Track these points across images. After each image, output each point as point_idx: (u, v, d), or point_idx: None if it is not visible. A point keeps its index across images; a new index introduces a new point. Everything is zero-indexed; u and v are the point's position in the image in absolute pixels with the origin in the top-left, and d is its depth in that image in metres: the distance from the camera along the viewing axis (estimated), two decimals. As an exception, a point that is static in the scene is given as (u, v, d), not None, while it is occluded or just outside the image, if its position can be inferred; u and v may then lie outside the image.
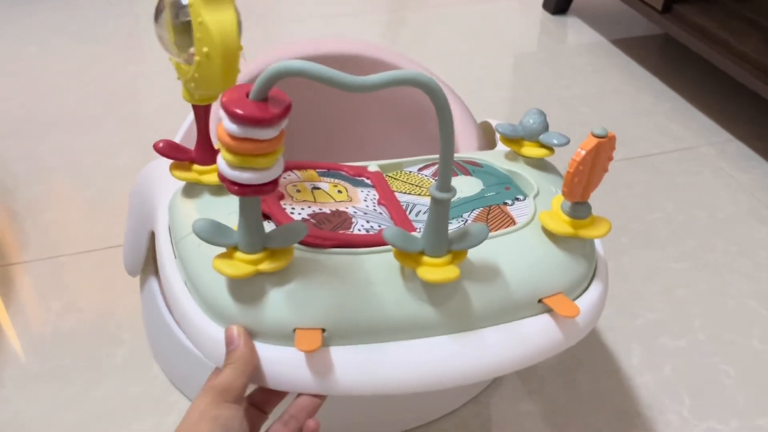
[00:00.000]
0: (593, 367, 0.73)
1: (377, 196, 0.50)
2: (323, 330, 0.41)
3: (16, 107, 1.10)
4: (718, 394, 0.71)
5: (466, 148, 0.67)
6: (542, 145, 0.55)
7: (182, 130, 0.71)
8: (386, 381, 0.41)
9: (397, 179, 0.53)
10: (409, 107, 0.77)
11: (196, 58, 0.40)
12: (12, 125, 1.06)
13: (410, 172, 0.55)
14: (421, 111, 0.75)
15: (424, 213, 0.49)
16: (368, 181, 0.52)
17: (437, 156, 0.55)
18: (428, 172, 0.54)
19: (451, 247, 0.41)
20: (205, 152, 0.47)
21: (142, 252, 0.62)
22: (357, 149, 0.83)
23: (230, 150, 0.35)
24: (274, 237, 0.40)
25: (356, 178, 0.52)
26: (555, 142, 0.54)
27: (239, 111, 0.34)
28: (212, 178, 0.47)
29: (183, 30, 0.41)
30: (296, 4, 1.46)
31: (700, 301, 0.81)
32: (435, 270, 0.41)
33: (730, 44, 1.07)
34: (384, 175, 0.53)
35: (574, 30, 1.41)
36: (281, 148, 0.37)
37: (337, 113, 0.80)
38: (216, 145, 0.45)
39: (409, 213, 0.49)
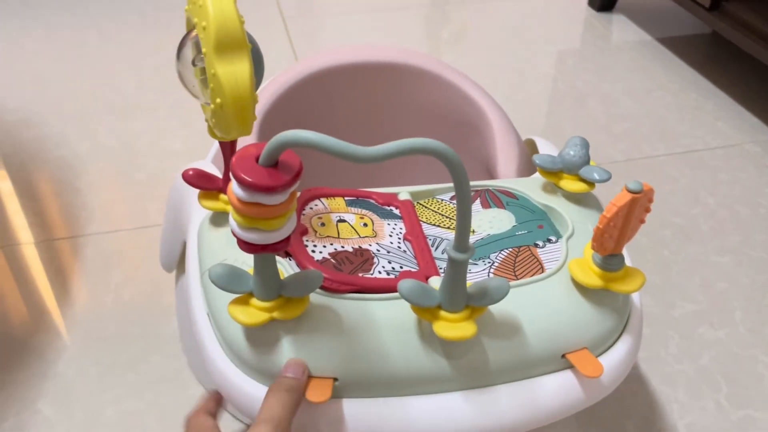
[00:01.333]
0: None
1: (404, 231, 0.49)
2: (335, 379, 0.40)
3: (80, 91, 1.15)
4: (756, 384, 0.72)
5: (505, 172, 0.64)
6: (582, 179, 0.52)
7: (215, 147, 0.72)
8: None
9: (428, 208, 0.52)
10: (454, 121, 0.74)
11: (211, 105, 0.39)
12: (77, 107, 1.11)
13: (442, 200, 0.53)
14: (468, 126, 0.72)
15: None
16: (397, 212, 0.51)
17: (471, 183, 0.53)
18: None
19: (470, 302, 0.40)
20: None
21: (175, 253, 0.64)
22: (401, 167, 0.79)
23: (238, 212, 0.35)
24: (289, 285, 0.40)
25: (385, 207, 0.51)
26: (596, 177, 0.50)
27: (247, 178, 0.33)
28: None
29: (204, 70, 0.39)
30: (344, -3, 1.49)
31: (742, 294, 0.82)
32: (451, 326, 0.39)
33: (779, 42, 1.06)
34: (414, 203, 0.52)
35: (619, 27, 1.41)
36: (292, 209, 0.36)
37: (377, 126, 0.78)
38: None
39: (435, 249, 0.48)
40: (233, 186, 0.34)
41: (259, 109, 0.65)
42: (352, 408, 0.41)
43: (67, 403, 0.68)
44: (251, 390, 0.42)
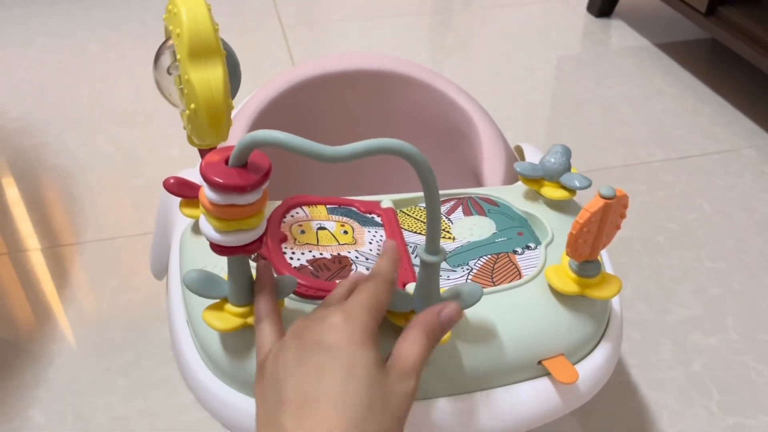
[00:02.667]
0: (621, 358, 0.74)
1: (384, 238, 0.49)
2: None
3: (79, 99, 1.16)
4: (748, 391, 0.71)
5: (492, 179, 0.64)
6: (563, 187, 0.51)
7: None
8: None
9: (410, 216, 0.52)
10: (442, 129, 0.74)
11: (186, 111, 0.39)
12: (75, 116, 1.12)
13: (424, 208, 0.53)
14: (456, 133, 0.72)
15: None
16: (378, 219, 0.51)
17: (454, 191, 0.54)
18: (443, 208, 0.52)
19: None
20: None
21: (165, 261, 0.64)
22: (389, 173, 0.80)
23: (211, 215, 0.35)
24: None
25: (366, 215, 0.51)
26: (576, 184, 0.50)
27: (218, 179, 0.33)
28: None
29: (181, 81, 0.39)
30: (342, 3, 1.50)
31: (735, 300, 0.82)
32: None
33: (776, 47, 1.06)
34: (396, 212, 0.52)
35: (618, 33, 1.42)
36: (262, 211, 0.36)
37: (365, 133, 0.77)
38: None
39: (415, 257, 0.47)
40: (205, 191, 0.34)
41: (248, 116, 0.65)
42: None
43: (58, 409, 0.69)
44: (227, 398, 0.43)
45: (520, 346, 0.42)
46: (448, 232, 0.50)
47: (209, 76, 0.37)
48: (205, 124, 0.38)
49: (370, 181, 0.78)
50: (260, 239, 0.37)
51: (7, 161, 1.02)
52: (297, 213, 0.50)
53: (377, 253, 0.48)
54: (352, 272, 0.45)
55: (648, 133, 1.12)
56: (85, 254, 0.87)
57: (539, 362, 0.42)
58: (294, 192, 0.58)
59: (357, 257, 0.47)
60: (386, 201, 0.53)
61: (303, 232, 0.48)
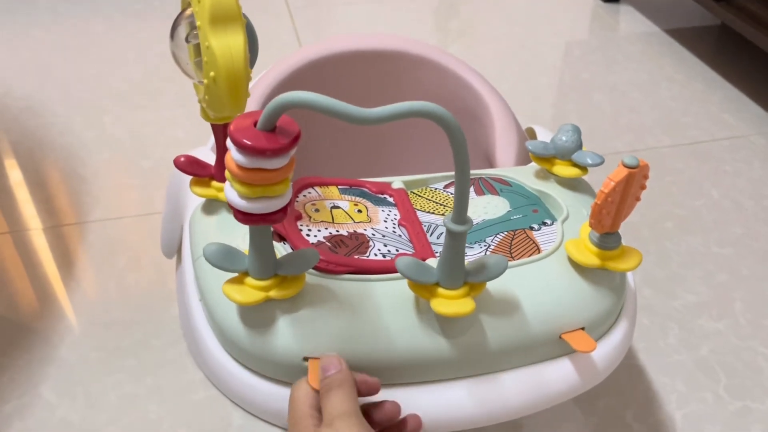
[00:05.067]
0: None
1: (398, 216, 0.49)
2: None
3: (85, 79, 1.16)
4: (755, 375, 0.71)
5: (504, 159, 0.64)
6: (575, 164, 0.52)
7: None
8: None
9: (422, 197, 0.52)
10: (454, 109, 0.72)
11: (204, 81, 0.39)
12: (81, 96, 1.12)
13: (435, 189, 0.53)
14: (468, 114, 0.71)
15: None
16: (390, 200, 0.51)
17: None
18: (453, 189, 0.53)
19: (468, 279, 0.40)
20: (224, 169, 0.48)
21: (175, 240, 0.63)
22: (391, 160, 0.80)
23: (238, 180, 0.34)
24: (285, 264, 0.39)
25: (378, 195, 0.51)
26: (588, 161, 0.50)
27: (247, 141, 0.33)
28: None
29: (198, 50, 0.39)
30: (350, -13, 1.49)
31: (742, 286, 0.82)
32: (449, 303, 0.39)
33: (787, 33, 1.05)
34: (408, 193, 0.51)
35: (627, 18, 1.41)
36: (288, 178, 0.36)
37: (361, 135, 0.77)
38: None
39: (430, 235, 0.47)
40: (232, 153, 0.34)
41: (258, 96, 0.65)
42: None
43: (68, 387, 0.69)
44: (240, 376, 0.43)
45: (542, 319, 0.42)
46: None
47: (230, 42, 0.37)
48: (225, 92, 0.38)
49: (380, 165, 0.78)
50: (284, 209, 0.36)
51: (13, 141, 1.02)
52: (309, 193, 0.50)
53: (392, 231, 0.48)
54: (370, 248, 0.45)
55: (656, 119, 1.11)
56: (93, 234, 0.87)
57: (560, 336, 0.42)
58: (300, 173, 0.58)
59: (374, 234, 0.46)
60: (397, 182, 0.53)
61: (317, 210, 0.48)
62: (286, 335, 0.40)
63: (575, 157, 0.51)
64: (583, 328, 0.43)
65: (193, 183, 0.48)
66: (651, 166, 1.02)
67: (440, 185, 0.53)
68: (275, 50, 1.24)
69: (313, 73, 0.68)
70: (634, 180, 0.40)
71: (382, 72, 0.72)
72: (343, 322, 0.40)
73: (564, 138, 0.51)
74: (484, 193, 0.52)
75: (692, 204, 0.94)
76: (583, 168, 0.51)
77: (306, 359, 0.40)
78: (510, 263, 0.44)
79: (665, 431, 0.66)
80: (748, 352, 0.74)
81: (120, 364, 0.71)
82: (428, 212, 0.50)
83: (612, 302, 0.44)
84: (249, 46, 0.39)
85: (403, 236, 0.47)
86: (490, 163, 0.66)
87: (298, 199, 0.49)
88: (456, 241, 0.38)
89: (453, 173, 0.52)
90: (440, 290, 0.39)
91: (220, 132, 0.47)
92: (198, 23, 0.38)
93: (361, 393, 0.39)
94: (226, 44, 0.37)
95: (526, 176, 0.54)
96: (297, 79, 0.68)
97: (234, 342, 0.42)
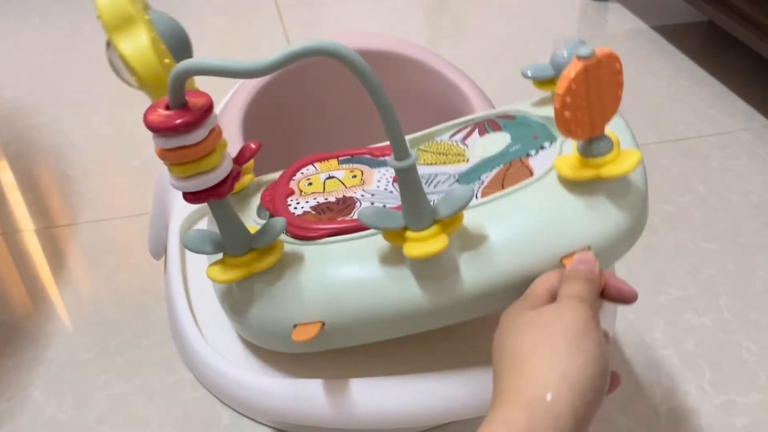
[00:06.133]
0: (615, 337, 0.75)
1: (394, 175, 0.47)
2: (323, 324, 0.40)
3: (75, 80, 1.16)
4: (739, 369, 0.72)
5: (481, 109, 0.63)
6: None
7: (218, 108, 0.71)
8: (398, 415, 0.41)
9: (427, 151, 0.50)
10: (439, 108, 0.73)
11: (137, 84, 0.40)
12: (71, 96, 1.12)
13: (441, 140, 0.51)
14: (453, 112, 0.71)
15: (444, 182, 0.45)
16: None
17: (470, 117, 0.52)
18: (459, 136, 0.51)
19: (435, 216, 0.38)
20: None
21: (163, 240, 0.64)
22: (383, 151, 0.80)
23: (168, 162, 0.35)
24: (257, 237, 0.40)
25: (379, 158, 0.50)
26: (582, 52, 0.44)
27: (158, 123, 0.33)
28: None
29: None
30: (340, -14, 1.49)
31: (728, 280, 0.82)
32: (419, 245, 0.37)
33: (772, 29, 1.06)
34: (414, 150, 0.50)
35: (615, 15, 1.41)
36: (220, 147, 0.36)
37: (362, 113, 0.75)
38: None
39: (427, 186, 0.45)
40: (155, 140, 0.35)
41: (243, 99, 0.65)
42: (358, 386, 0.41)
43: (57, 387, 0.69)
44: (228, 374, 0.43)
45: (536, 245, 0.39)
46: (462, 155, 0.48)
47: (136, 44, 0.39)
48: (152, 90, 0.39)
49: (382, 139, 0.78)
50: (228, 180, 0.36)
51: (2, 142, 1.02)
52: (307, 170, 0.49)
53: (384, 189, 0.46)
54: (356, 208, 0.44)
55: (643, 116, 1.12)
56: (82, 235, 0.87)
57: (561, 260, 0.39)
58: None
59: (363, 195, 0.45)
60: None
61: (310, 184, 0.47)
62: (273, 306, 0.40)
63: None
64: (589, 248, 0.38)
65: None
66: (639, 163, 1.02)
67: (446, 136, 0.51)
68: (264, 49, 1.24)
69: (298, 75, 0.69)
70: (594, 74, 0.34)
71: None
72: (324, 284, 0.40)
73: (565, 54, 0.45)
74: (487, 132, 0.49)
75: (679, 200, 0.95)
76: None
77: (296, 326, 0.40)
78: (497, 194, 0.41)
79: (650, 425, 0.67)
80: (733, 346, 0.74)
81: (109, 364, 0.71)
82: (430, 164, 0.47)
83: (620, 219, 0.39)
84: (170, 36, 0.40)
85: (394, 192, 0.45)
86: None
87: (295, 177, 0.49)
88: (406, 179, 0.36)
89: (458, 121, 0.51)
90: (409, 233, 0.38)
91: None
92: (107, 37, 0.40)
93: (610, 297, 0.38)
94: (134, 46, 0.39)
95: (533, 106, 0.51)
96: (282, 80, 0.68)
97: (236, 319, 0.42)
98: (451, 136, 0.52)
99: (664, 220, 0.91)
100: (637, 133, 1.08)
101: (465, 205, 0.37)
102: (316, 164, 0.50)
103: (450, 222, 0.38)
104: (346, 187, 0.46)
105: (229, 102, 0.66)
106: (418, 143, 0.51)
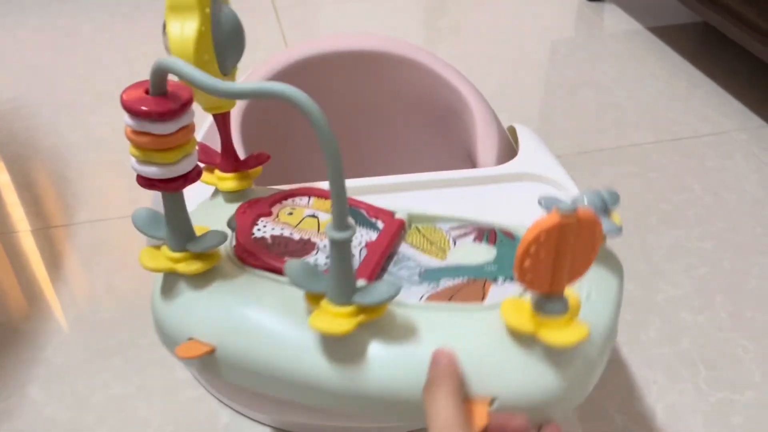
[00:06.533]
0: (613, 337, 0.76)
1: (371, 240, 0.44)
2: (213, 349, 0.38)
3: (72, 81, 1.16)
4: (735, 367, 0.72)
5: (485, 159, 0.63)
6: None
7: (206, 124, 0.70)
8: None
9: (420, 232, 0.47)
10: (436, 109, 0.73)
11: None
12: (68, 97, 1.12)
13: (439, 227, 0.48)
14: (450, 113, 0.71)
15: (409, 269, 0.43)
16: (380, 225, 0.46)
17: (481, 221, 0.48)
18: (457, 232, 0.47)
19: (355, 298, 0.36)
20: (227, 159, 0.48)
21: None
22: (384, 155, 0.79)
23: (131, 143, 0.35)
24: (195, 241, 0.40)
25: (371, 219, 0.47)
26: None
27: (133, 103, 0.34)
28: (226, 185, 0.48)
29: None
30: (337, -13, 1.50)
31: (724, 279, 0.83)
32: (327, 318, 0.35)
33: (765, 29, 1.07)
34: (408, 225, 0.47)
35: (611, 17, 1.42)
36: (188, 146, 0.36)
37: (359, 113, 0.77)
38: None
39: (394, 264, 0.43)
40: (125, 117, 0.35)
41: (241, 103, 0.66)
42: None
43: (55, 387, 0.69)
44: None
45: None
46: (443, 251, 0.45)
47: (183, 27, 0.39)
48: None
49: (372, 162, 0.78)
50: (183, 179, 0.37)
51: (0, 143, 1.02)
52: (301, 200, 0.48)
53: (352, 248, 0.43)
54: (312, 255, 0.42)
55: (640, 116, 1.12)
56: (79, 235, 0.87)
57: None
58: (295, 174, 0.57)
59: (325, 246, 0.44)
60: (401, 212, 0.48)
61: (291, 214, 0.46)
62: (181, 311, 0.40)
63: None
64: (492, 401, 0.35)
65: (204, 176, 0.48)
66: (635, 162, 1.03)
67: (447, 226, 0.48)
68: (262, 51, 1.25)
69: (296, 76, 0.69)
70: (569, 232, 0.30)
71: (366, 72, 0.73)
72: (232, 312, 0.39)
73: (587, 201, 0.42)
74: (481, 241, 0.46)
75: (675, 199, 0.95)
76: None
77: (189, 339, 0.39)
78: (437, 304, 0.39)
79: (646, 423, 0.67)
80: (729, 345, 0.75)
81: (107, 364, 0.71)
82: (415, 247, 0.45)
83: (551, 384, 0.35)
84: (227, 36, 0.40)
85: (356, 257, 0.43)
86: (472, 162, 0.67)
87: (285, 202, 0.48)
88: (337, 251, 0.34)
89: (469, 218, 0.47)
90: (325, 303, 0.36)
91: (220, 121, 0.48)
92: (165, 17, 0.41)
93: None
94: (179, 29, 0.39)
95: None
96: (281, 80, 0.69)
97: (154, 308, 0.42)
98: (452, 228, 0.48)
99: (661, 219, 0.92)
100: (634, 133, 1.10)
101: (384, 301, 0.35)
102: (312, 198, 0.49)
103: (369, 310, 0.36)
104: (318, 231, 0.45)
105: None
106: (416, 220, 0.48)
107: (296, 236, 0.44)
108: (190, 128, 0.36)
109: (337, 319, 0.35)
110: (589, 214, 0.30)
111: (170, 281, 0.41)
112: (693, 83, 1.21)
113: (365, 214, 0.47)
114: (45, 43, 1.26)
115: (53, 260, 0.84)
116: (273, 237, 0.43)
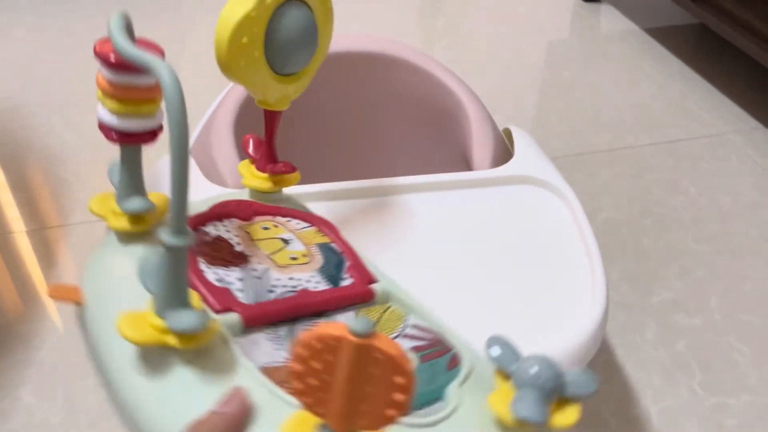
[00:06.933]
0: (606, 339, 0.76)
1: (315, 290, 0.38)
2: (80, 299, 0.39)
3: (67, 81, 1.16)
4: (730, 370, 0.73)
5: (480, 161, 0.62)
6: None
7: (209, 111, 0.69)
8: None
9: (382, 312, 0.39)
10: (431, 110, 0.72)
11: None
12: (63, 97, 1.11)
13: (406, 319, 0.39)
14: (445, 115, 0.70)
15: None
16: (347, 281, 0.40)
17: (458, 340, 0.37)
18: (413, 332, 0.38)
19: (166, 315, 0.31)
20: (264, 159, 0.46)
21: None
22: (378, 157, 0.78)
23: (114, 97, 0.35)
24: (140, 202, 0.40)
25: (342, 274, 0.40)
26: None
27: (111, 54, 0.35)
28: (254, 184, 0.45)
29: None
30: (333, -13, 1.49)
31: (719, 281, 0.83)
32: (134, 318, 0.31)
33: (761, 31, 1.07)
34: (376, 298, 0.39)
35: (607, 18, 1.42)
36: (157, 102, 0.37)
37: (355, 114, 0.76)
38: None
39: (305, 322, 0.37)
40: (103, 72, 0.35)
41: (238, 98, 0.65)
42: None
43: (48, 390, 0.69)
44: None
45: None
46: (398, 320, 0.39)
47: (231, 12, 0.39)
48: (216, 56, 0.40)
49: (367, 164, 0.78)
50: (154, 133, 0.38)
51: (-6, 143, 1.02)
52: (298, 223, 0.44)
53: (285, 283, 0.39)
54: (229, 270, 0.38)
55: (635, 118, 1.12)
56: (74, 236, 0.87)
57: None
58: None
59: (255, 270, 0.39)
60: (382, 284, 0.40)
61: (266, 228, 0.42)
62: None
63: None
64: None
65: (243, 164, 0.47)
66: (630, 164, 1.03)
67: (412, 321, 0.39)
68: (258, 51, 1.24)
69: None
70: (361, 359, 0.24)
71: (360, 73, 0.72)
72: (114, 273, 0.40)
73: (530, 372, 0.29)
74: (422, 353, 0.37)
75: (670, 201, 0.95)
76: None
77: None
78: (260, 378, 0.32)
79: (641, 426, 0.67)
80: (724, 347, 0.75)
81: (101, 366, 0.71)
82: (351, 312, 0.39)
83: None
84: (286, 32, 0.41)
85: (279, 291, 0.38)
86: (468, 164, 0.67)
87: (279, 218, 0.44)
88: (174, 260, 0.30)
89: (442, 325, 0.38)
90: (149, 304, 0.32)
91: (270, 117, 0.47)
92: None
93: None
94: (227, 12, 0.39)
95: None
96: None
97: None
98: (413, 326, 0.39)
99: (656, 221, 0.92)
100: (629, 135, 1.10)
101: (184, 330, 0.31)
102: (311, 227, 0.44)
103: (182, 337, 0.31)
104: (269, 255, 0.40)
105: (222, 102, 0.66)
106: (391, 299, 0.40)
107: (239, 248, 0.40)
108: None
109: (143, 327, 0.31)
110: (395, 351, 0.23)
111: (108, 236, 0.40)
112: (688, 85, 1.21)
113: (344, 261, 0.41)
114: (40, 42, 1.26)
115: (48, 261, 0.83)
116: (217, 238, 0.40)
